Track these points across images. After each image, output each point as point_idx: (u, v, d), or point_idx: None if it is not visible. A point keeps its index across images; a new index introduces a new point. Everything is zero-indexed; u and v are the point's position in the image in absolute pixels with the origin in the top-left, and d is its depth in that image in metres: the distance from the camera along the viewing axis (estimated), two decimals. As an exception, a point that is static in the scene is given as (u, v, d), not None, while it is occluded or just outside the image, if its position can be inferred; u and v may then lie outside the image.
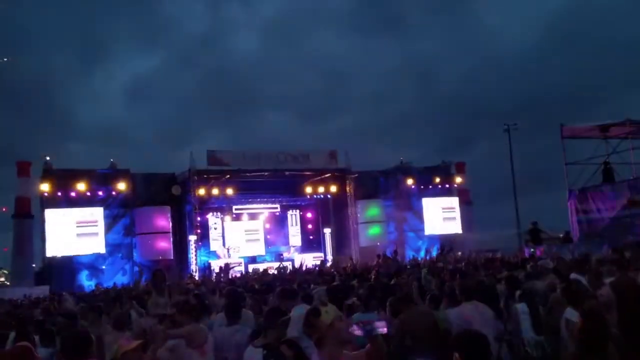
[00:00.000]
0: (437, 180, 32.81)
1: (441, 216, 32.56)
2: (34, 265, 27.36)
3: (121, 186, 26.69)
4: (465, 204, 34.61)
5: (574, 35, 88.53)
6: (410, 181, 32.04)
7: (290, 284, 10.88)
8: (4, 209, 27.36)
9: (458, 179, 34.10)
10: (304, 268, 24.27)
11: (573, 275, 8.34)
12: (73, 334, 3.83)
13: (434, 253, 28.67)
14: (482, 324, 6.07)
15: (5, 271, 42.67)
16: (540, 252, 17.56)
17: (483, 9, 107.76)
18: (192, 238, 27.85)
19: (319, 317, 3.29)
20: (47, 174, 25.83)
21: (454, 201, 33.25)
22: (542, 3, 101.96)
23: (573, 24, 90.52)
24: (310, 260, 29.61)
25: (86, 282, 25.55)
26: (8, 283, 34.79)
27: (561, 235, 19.77)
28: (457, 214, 33.07)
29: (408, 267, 18.45)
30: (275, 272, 23.61)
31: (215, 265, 28.20)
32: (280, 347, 4.56)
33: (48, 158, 26.08)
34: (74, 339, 3.69)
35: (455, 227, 32.77)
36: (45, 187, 25.25)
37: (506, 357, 6.29)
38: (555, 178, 21.89)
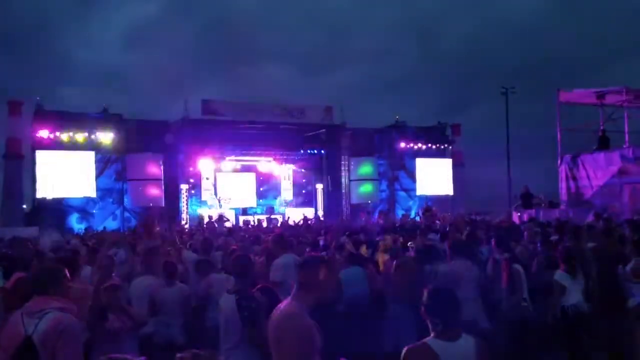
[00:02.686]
0: (432, 140, 32.75)
1: (433, 177, 32.61)
2: (24, 206, 27.36)
3: (113, 131, 26.54)
4: (458, 166, 34.67)
5: (578, 1, 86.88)
6: (404, 140, 31.99)
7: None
8: None
9: (452, 141, 34.05)
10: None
11: (553, 238, 8.42)
12: (45, 268, 3.74)
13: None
14: (468, 280, 6.24)
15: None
16: (527, 216, 17.68)
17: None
18: (184, 187, 27.88)
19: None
20: (39, 115, 25.62)
21: (447, 162, 33.27)
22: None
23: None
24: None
25: (76, 225, 25.64)
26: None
27: (542, 204, 19.87)
28: (449, 175, 33.14)
29: (397, 225, 18.47)
30: (265, 225, 23.67)
31: (205, 215, 28.28)
32: (254, 292, 4.60)
33: (39, 98, 25.80)
34: (43, 272, 3.62)
35: (446, 188, 32.89)
36: (37, 128, 25.09)
37: (480, 315, 6.38)
38: (550, 144, 21.80)
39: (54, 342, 3.17)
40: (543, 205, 19.87)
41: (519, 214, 18.89)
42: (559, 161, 19.27)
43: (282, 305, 3.27)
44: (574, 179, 18.55)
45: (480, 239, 8.64)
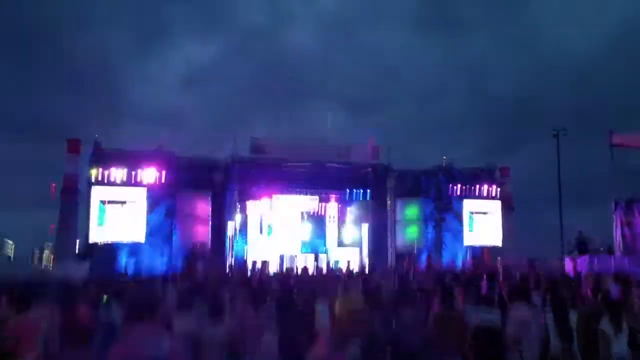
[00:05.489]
0: (480, 182, 32.24)
1: (481, 220, 31.96)
2: (77, 240, 28.05)
3: (165, 169, 27.13)
4: (507, 209, 33.89)
5: (633, 45, 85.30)
6: (451, 182, 31.60)
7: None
8: (53, 185, 28.02)
9: (501, 183, 33.41)
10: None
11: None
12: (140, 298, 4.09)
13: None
14: (537, 326, 5.99)
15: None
16: (580, 262, 17.13)
17: (542, 10, 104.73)
18: (231, 225, 28.10)
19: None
20: (96, 152, 26.49)
21: (496, 205, 32.57)
22: (603, 11, 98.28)
23: (633, 34, 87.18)
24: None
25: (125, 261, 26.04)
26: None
27: (602, 249, 19.27)
28: (498, 218, 32.40)
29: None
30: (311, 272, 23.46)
31: (250, 260, 27.74)
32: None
33: (97, 136, 26.71)
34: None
35: (496, 234, 32.09)
36: (93, 165, 25.90)
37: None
38: (602, 188, 21.18)
39: None
40: (602, 249, 19.28)
41: (572, 260, 18.33)
42: (612, 206, 18.66)
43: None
44: (629, 225, 17.91)
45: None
